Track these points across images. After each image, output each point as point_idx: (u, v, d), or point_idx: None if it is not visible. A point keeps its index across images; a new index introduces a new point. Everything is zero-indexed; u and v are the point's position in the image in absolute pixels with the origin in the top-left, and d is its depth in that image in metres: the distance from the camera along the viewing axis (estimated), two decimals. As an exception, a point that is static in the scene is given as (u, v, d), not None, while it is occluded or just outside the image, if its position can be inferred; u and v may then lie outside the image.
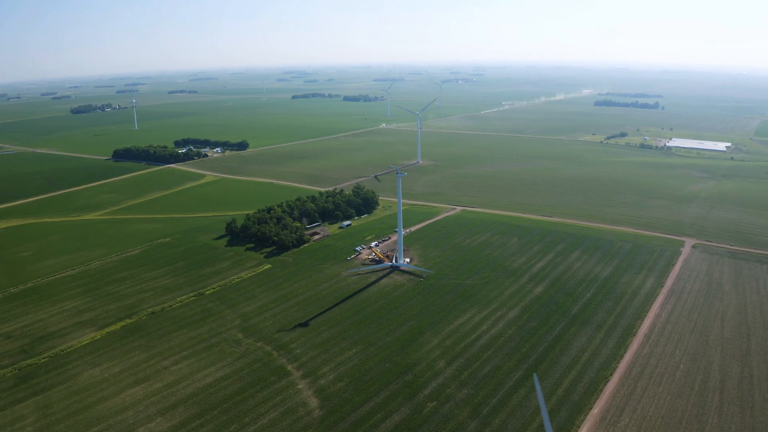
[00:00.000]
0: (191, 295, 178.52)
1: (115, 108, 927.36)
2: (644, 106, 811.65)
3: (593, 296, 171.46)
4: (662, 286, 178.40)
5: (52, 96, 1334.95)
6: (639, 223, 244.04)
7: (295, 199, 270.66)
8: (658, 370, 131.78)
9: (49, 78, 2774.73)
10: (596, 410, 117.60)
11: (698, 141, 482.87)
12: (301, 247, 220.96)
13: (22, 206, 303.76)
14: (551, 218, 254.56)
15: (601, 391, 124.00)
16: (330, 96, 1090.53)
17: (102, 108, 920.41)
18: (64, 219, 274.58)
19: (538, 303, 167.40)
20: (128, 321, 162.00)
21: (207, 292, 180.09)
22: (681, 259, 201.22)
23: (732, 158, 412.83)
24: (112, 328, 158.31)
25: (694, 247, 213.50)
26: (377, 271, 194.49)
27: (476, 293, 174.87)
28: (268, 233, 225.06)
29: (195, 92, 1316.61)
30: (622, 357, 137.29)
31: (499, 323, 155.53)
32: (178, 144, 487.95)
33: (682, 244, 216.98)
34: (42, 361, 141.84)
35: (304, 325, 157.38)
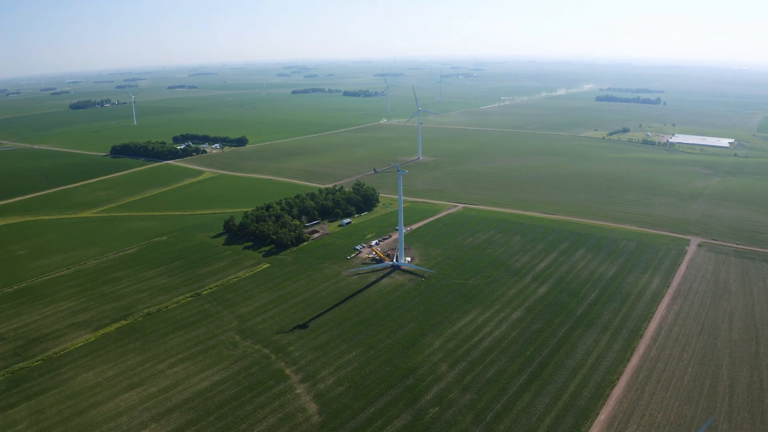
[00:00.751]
0: (188, 295, 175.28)
1: (114, 103, 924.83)
2: (646, 101, 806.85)
3: (598, 297, 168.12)
4: (668, 286, 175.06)
5: (51, 91, 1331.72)
6: (643, 221, 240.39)
7: (294, 197, 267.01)
8: (665, 374, 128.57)
9: (48, 73, 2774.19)
10: (603, 416, 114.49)
11: (701, 137, 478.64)
12: (300, 245, 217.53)
13: (19, 203, 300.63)
14: (554, 216, 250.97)
15: (608, 396, 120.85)
16: (330, 91, 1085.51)
17: (101, 103, 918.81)
18: (60, 216, 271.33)
19: (542, 304, 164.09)
20: (123, 322, 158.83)
21: (204, 293, 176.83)
22: (687, 258, 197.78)
23: (735, 155, 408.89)
24: (107, 329, 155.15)
25: (699, 245, 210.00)
26: (377, 270, 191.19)
27: (479, 293, 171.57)
28: (267, 231, 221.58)
29: (195, 87, 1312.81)
30: (628, 360, 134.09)
31: (502, 325, 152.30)
32: (176, 140, 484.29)
33: (687, 242, 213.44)
34: (35, 364, 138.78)
35: (303, 326, 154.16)
